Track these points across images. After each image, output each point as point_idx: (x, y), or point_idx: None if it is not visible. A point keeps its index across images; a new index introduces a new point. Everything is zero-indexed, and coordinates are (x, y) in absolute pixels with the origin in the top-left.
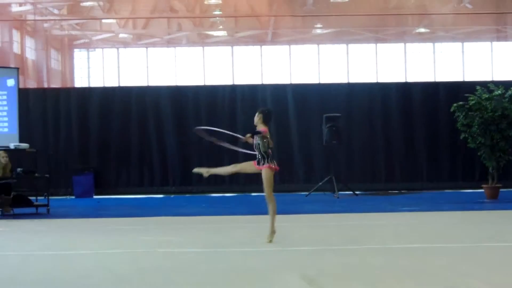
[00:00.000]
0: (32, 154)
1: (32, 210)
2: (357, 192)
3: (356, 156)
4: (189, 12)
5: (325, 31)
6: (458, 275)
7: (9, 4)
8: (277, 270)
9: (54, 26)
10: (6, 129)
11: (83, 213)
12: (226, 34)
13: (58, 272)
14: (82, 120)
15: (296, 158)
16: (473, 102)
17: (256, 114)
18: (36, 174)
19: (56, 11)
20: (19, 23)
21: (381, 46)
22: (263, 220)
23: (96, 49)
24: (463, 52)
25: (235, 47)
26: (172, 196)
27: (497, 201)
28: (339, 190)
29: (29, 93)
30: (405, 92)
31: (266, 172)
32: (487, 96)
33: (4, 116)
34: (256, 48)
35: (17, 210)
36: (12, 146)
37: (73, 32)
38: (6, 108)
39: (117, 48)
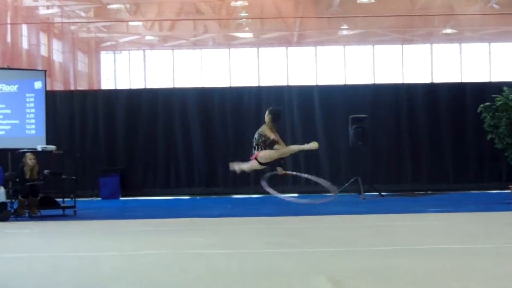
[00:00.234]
0: (59, 156)
1: (59, 212)
2: (383, 193)
3: (382, 157)
4: (215, 14)
5: (351, 32)
6: (491, 277)
7: (36, 7)
8: (304, 272)
9: (81, 29)
10: (33, 131)
11: (109, 214)
12: (252, 36)
13: (87, 274)
14: (109, 122)
15: (322, 159)
16: (500, 102)
17: (266, 113)
18: (63, 176)
19: (83, 14)
20: (47, 26)
21: (407, 47)
22: (288, 222)
23: (123, 51)
24: (490, 52)
25: (261, 49)
26: (198, 197)
27: None
28: (365, 191)
29: (56, 95)
30: (432, 93)
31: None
32: None
33: (32, 118)
34: (282, 49)
35: (44, 212)
36: (39, 148)
37: (100, 35)
38: (33, 110)
39: (143, 50)
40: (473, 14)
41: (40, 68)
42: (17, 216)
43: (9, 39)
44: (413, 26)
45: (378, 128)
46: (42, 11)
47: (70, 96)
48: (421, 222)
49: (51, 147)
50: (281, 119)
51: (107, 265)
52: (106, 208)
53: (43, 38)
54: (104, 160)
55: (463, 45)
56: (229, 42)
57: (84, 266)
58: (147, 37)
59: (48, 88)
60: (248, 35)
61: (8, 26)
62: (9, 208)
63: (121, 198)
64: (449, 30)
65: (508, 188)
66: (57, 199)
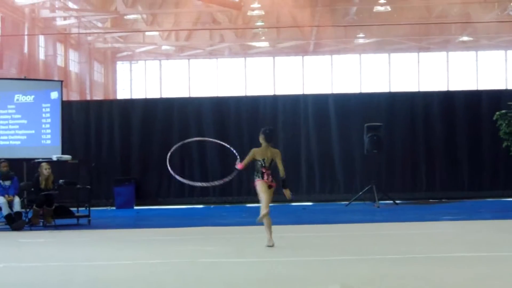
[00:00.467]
0: (74, 166)
1: (73, 221)
2: (397, 201)
3: (397, 165)
4: (232, 23)
5: (367, 41)
6: (507, 286)
7: (53, 18)
8: (318, 280)
9: (97, 39)
10: (48, 141)
11: (123, 223)
12: (268, 45)
13: (101, 282)
14: (124, 132)
15: (337, 167)
16: None
17: (260, 134)
18: (78, 186)
19: (99, 24)
20: (63, 36)
21: (423, 55)
22: (302, 230)
23: (139, 61)
24: (506, 59)
25: (277, 58)
26: (212, 206)
27: None
28: (379, 200)
29: (72, 105)
30: (447, 101)
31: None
32: None
33: (47, 128)
34: (298, 58)
35: (58, 221)
36: (54, 158)
37: (116, 45)
38: (49, 120)
39: (160, 60)
40: (490, 21)
41: (56, 78)
42: (32, 225)
43: (26, 49)
44: (429, 34)
45: (393, 136)
46: (59, 22)
47: (86, 106)
48: (436, 230)
49: (67, 157)
50: (273, 137)
51: (120, 274)
52: (120, 217)
53: (60, 48)
54: (118, 169)
55: (479, 52)
56: (245, 51)
57: (98, 275)
58: (164, 47)
59: (64, 98)
60: (264, 44)
61: (25, 37)
62: (23, 218)
63: (136, 207)
64: (465, 38)
65: None
66: (72, 209)
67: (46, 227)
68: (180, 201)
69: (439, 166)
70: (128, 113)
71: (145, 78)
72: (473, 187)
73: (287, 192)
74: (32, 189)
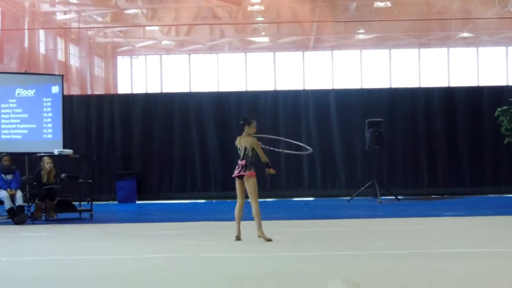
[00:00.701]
0: (76, 160)
1: (75, 215)
2: (399, 197)
3: (399, 161)
4: (232, 18)
5: (367, 36)
6: (508, 281)
7: (54, 13)
8: (320, 275)
9: (97, 34)
10: (50, 136)
11: (125, 218)
12: (268, 40)
13: (103, 277)
14: (125, 126)
15: (339, 163)
16: None
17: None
18: (80, 180)
19: (100, 19)
20: (64, 31)
21: (424, 51)
22: (304, 225)
23: (139, 56)
24: (507, 56)
25: (277, 53)
26: (214, 201)
27: None
28: (381, 195)
29: (73, 99)
30: (448, 97)
31: (254, 179)
32: None
33: (49, 122)
34: (298, 54)
35: (61, 215)
36: (56, 152)
37: (117, 40)
38: (50, 114)
39: (160, 55)
40: (490, 18)
41: (57, 72)
42: (34, 219)
43: (26, 44)
44: (429, 30)
45: (394, 132)
46: (59, 17)
47: (87, 100)
48: (438, 226)
49: (68, 151)
50: (249, 123)
51: (122, 268)
52: (122, 211)
53: (60, 43)
54: (120, 163)
55: (480, 49)
56: (245, 46)
57: (100, 269)
58: (164, 42)
59: (65, 93)
60: (264, 39)
61: (26, 31)
62: (26, 212)
63: (137, 202)
64: (466, 34)
65: None
66: (74, 203)
67: (48, 221)
68: (182, 195)
69: (441, 162)
70: (129, 107)
71: (146, 72)
72: (475, 183)
73: (270, 170)
74: (34, 183)
